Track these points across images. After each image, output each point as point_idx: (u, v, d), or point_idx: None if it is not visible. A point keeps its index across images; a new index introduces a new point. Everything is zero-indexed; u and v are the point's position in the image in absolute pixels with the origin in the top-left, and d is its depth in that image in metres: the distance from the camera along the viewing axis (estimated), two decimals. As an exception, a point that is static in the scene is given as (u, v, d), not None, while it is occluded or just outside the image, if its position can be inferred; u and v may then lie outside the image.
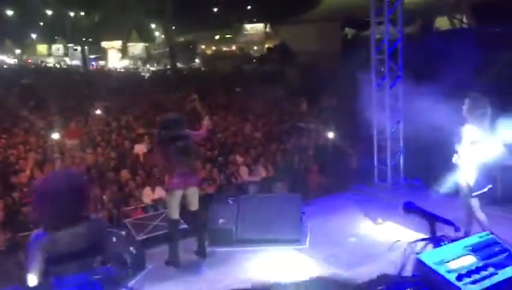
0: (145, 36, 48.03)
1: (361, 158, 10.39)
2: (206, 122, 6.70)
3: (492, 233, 2.84)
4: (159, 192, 9.77)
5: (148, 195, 9.93)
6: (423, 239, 2.88)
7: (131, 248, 6.06)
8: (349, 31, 25.92)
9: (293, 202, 6.97)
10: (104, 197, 9.44)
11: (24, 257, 3.47)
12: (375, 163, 9.20)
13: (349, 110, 14.20)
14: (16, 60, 56.91)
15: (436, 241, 2.86)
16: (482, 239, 2.74)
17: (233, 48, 51.02)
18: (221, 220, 6.75)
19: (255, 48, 47.40)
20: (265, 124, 14.44)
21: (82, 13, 49.01)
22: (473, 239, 2.75)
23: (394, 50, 8.70)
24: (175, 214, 6.37)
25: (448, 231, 2.98)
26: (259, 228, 6.71)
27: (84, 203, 3.46)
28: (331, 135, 12.23)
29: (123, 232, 6.26)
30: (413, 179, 9.09)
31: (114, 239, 6.01)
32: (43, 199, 3.36)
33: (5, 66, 49.26)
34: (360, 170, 10.17)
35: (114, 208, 9.39)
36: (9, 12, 49.14)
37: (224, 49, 51.51)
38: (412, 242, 2.84)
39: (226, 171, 10.98)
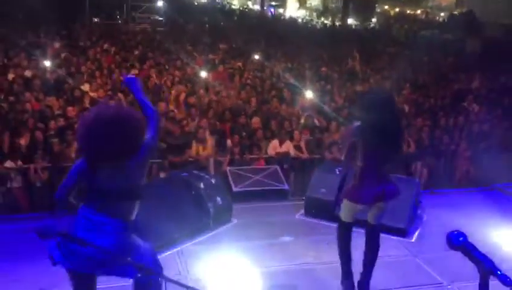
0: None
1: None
2: None
3: None
4: (287, 146, 9.34)
5: (274, 147, 9.56)
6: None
7: (218, 198, 5.69)
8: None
9: (409, 188, 5.94)
10: (228, 140, 9.35)
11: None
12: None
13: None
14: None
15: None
16: None
17: (419, 11, 47.46)
18: (322, 190, 6.04)
19: (442, 14, 43.49)
20: (421, 95, 12.90)
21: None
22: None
23: None
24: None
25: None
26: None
27: (131, 142, 3.11)
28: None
29: (213, 180, 5.88)
30: None
31: (202, 185, 5.71)
32: (87, 129, 3.09)
33: (195, 3, 52.16)
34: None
35: (238, 153, 9.26)
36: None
37: (408, 12, 48.15)
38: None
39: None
